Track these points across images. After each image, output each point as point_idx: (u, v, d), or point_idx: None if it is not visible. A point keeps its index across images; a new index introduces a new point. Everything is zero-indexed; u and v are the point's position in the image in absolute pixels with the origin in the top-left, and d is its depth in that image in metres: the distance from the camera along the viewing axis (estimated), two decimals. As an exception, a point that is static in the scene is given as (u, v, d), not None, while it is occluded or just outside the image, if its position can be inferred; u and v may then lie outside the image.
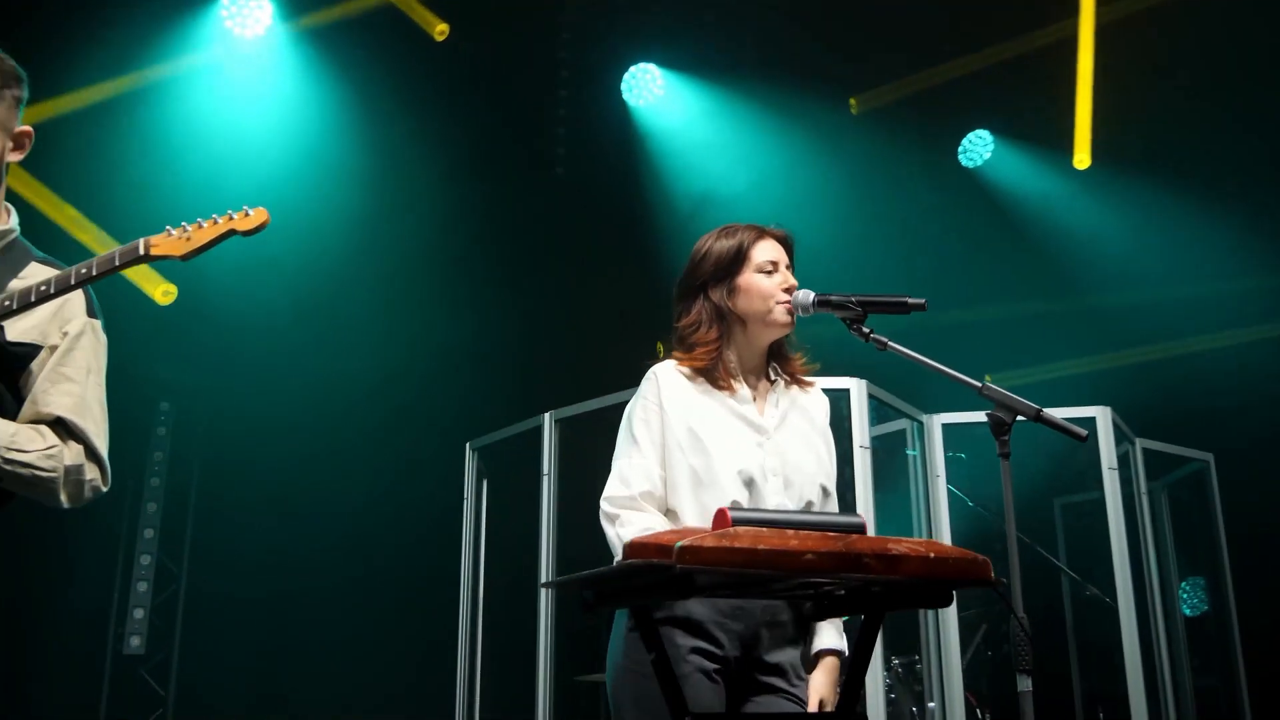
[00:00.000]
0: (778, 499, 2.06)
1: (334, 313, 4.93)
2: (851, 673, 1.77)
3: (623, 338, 4.96)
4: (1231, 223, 5.42)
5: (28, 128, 2.00)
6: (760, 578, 1.50)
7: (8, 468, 1.84)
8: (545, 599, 3.53)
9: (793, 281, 2.21)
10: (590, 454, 3.76)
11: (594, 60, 5.74)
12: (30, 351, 1.90)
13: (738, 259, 2.21)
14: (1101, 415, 3.44)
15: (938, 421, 3.65)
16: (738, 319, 2.19)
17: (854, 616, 2.25)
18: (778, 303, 2.17)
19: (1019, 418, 2.04)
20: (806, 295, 2.17)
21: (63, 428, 1.95)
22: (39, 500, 1.95)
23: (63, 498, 1.94)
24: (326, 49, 5.10)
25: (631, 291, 5.20)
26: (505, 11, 5.42)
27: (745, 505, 1.99)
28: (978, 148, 6.64)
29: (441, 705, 4.60)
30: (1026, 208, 6.30)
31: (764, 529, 1.45)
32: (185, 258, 1.82)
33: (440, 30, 5.29)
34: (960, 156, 6.58)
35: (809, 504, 2.10)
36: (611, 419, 2.33)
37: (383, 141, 5.03)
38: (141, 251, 1.82)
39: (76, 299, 2.02)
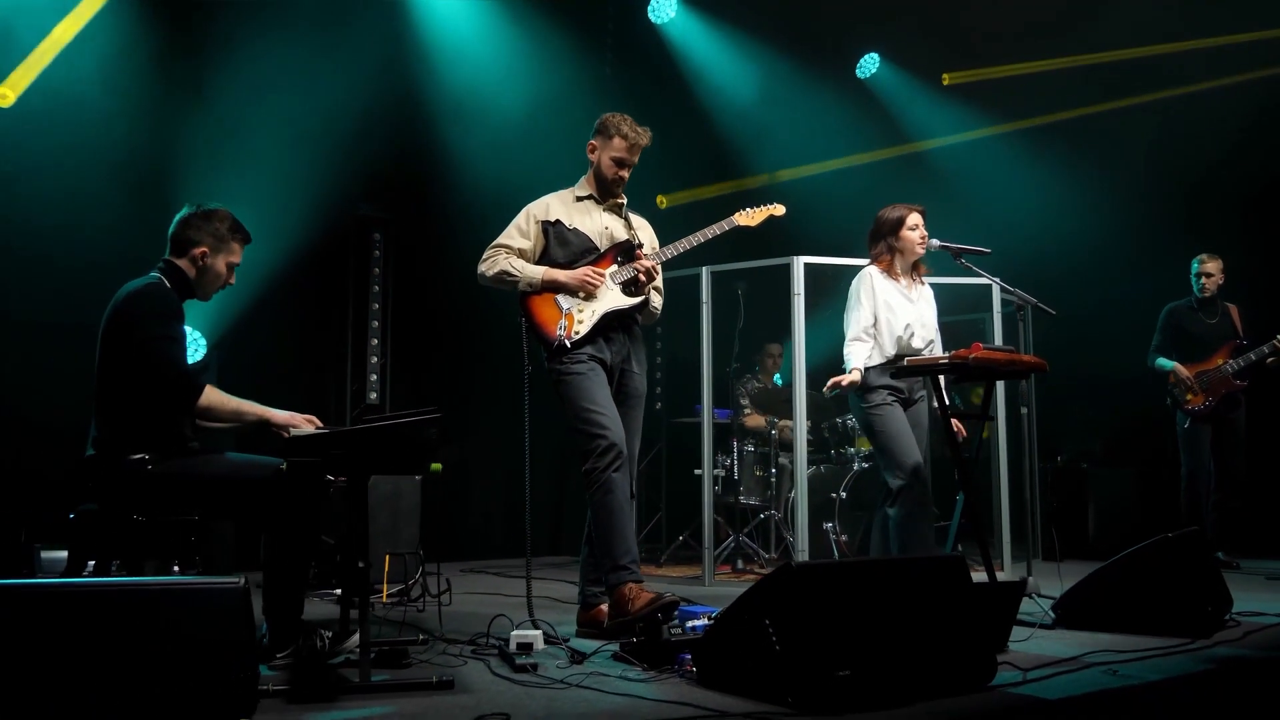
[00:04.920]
0: (921, 336, 4.74)
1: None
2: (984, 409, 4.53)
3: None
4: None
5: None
6: (981, 367, 4.19)
7: (654, 312, 4.18)
8: (706, 393, 6.07)
9: (925, 233, 4.81)
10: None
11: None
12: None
13: (898, 224, 4.78)
14: (994, 283, 6.30)
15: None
16: (899, 252, 4.79)
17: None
18: (918, 245, 4.78)
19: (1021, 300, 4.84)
20: (934, 242, 4.79)
21: (655, 289, 4.26)
22: (646, 320, 4.27)
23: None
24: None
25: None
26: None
27: (909, 341, 4.66)
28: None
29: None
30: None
31: (992, 352, 4.14)
32: (755, 227, 4.18)
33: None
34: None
35: (930, 341, 4.81)
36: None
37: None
38: (736, 223, 4.16)
39: (651, 232, 4.30)
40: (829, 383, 4.64)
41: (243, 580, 2.50)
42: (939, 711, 2.70)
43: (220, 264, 3.49)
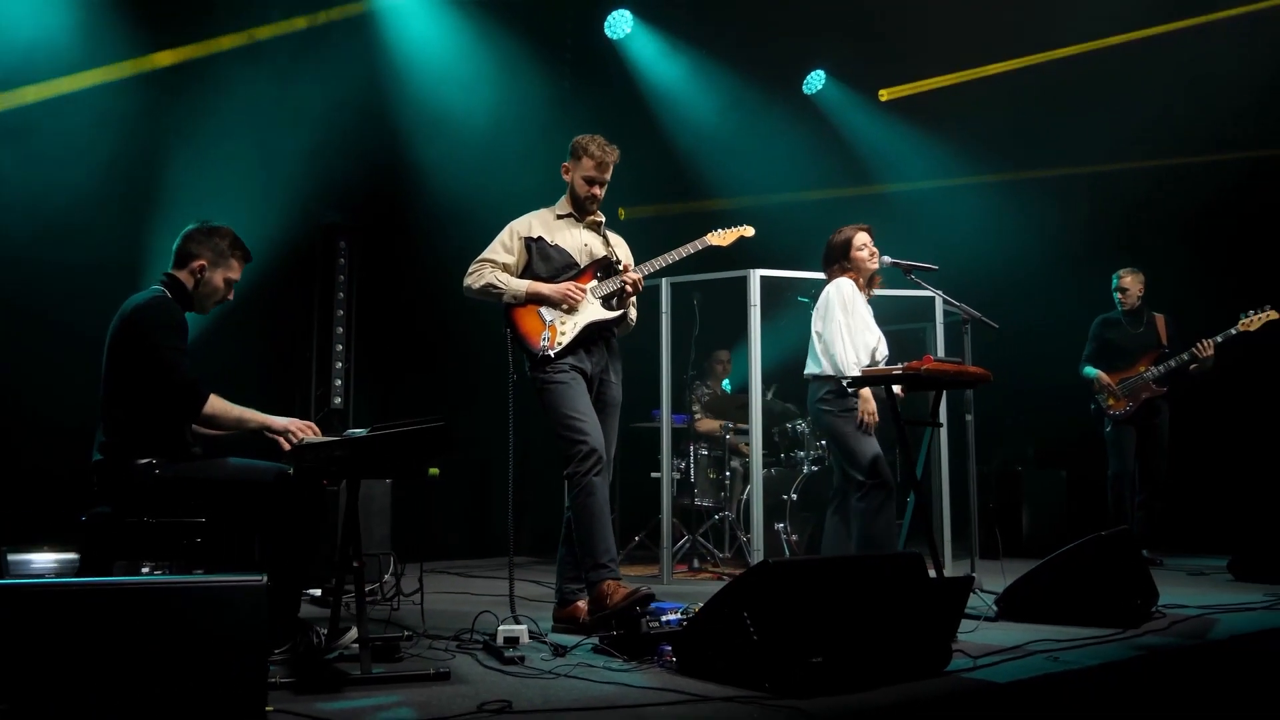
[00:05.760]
0: (882, 351, 5.04)
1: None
2: (933, 415, 4.84)
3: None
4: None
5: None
6: (932, 377, 4.50)
7: (629, 325, 4.41)
8: (665, 399, 6.32)
9: (875, 250, 5.10)
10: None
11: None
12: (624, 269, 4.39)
13: (847, 246, 5.07)
14: (937, 295, 6.64)
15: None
16: (853, 271, 5.07)
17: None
18: (869, 262, 5.07)
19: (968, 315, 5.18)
20: (885, 259, 5.08)
21: (631, 303, 4.48)
22: (621, 332, 4.48)
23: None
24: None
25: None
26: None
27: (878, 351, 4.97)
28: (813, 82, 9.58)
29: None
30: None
31: (942, 364, 4.45)
32: (727, 247, 4.43)
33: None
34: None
35: (885, 355, 5.10)
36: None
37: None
38: (709, 243, 4.41)
39: (627, 250, 4.53)
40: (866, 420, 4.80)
41: (264, 578, 2.66)
42: (902, 694, 2.98)
43: (218, 278, 3.65)
